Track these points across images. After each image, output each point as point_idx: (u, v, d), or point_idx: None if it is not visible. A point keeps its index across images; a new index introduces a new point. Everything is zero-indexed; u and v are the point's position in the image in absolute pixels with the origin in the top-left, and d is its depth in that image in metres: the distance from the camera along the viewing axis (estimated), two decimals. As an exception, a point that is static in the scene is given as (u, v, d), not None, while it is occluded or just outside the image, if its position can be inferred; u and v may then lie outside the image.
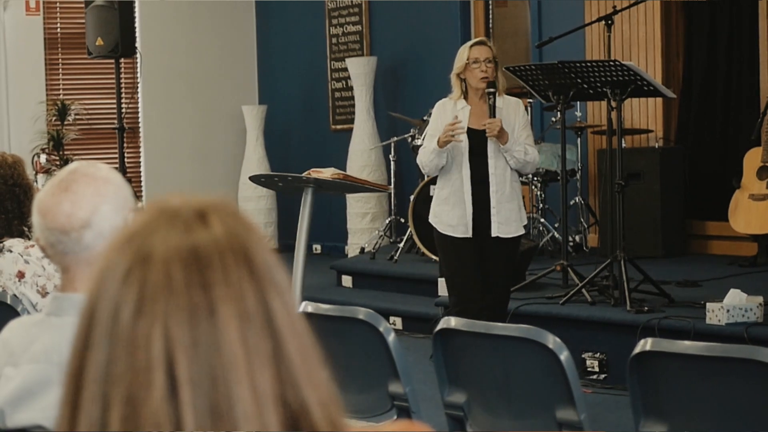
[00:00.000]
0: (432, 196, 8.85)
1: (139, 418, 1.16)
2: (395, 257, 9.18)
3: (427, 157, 6.05)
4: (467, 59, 6.02)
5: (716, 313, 6.15)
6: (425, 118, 9.06)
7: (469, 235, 6.03)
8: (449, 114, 6.10)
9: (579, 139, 9.04)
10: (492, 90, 5.99)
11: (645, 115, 9.16)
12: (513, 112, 6.06)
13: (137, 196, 11.36)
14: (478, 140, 6.00)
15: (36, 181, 10.09)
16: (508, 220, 6.04)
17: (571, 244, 8.50)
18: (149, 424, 1.15)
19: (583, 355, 6.64)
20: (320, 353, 1.26)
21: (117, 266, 1.21)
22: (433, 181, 8.92)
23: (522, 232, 6.13)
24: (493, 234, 6.01)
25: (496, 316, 5.82)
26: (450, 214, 6.08)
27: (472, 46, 6.08)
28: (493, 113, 5.96)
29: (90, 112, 11.66)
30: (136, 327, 1.18)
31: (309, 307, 4.06)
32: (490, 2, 10.52)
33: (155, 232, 1.21)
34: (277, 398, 1.18)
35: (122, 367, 1.17)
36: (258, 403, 1.17)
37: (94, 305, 1.21)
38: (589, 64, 6.81)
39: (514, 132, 6.01)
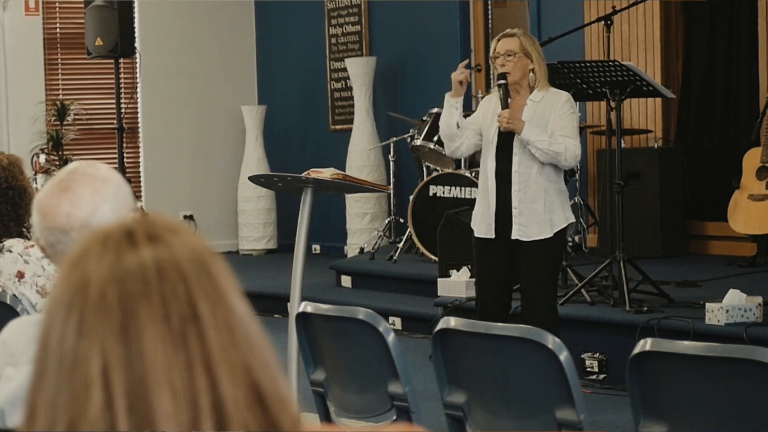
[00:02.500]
0: (432, 196, 8.88)
1: None
2: (395, 257, 9.18)
3: (442, 114, 5.87)
4: (492, 53, 5.79)
5: (716, 314, 6.15)
6: (425, 118, 9.07)
7: (492, 235, 5.71)
8: (491, 106, 5.84)
9: (578, 140, 9.04)
10: (502, 82, 5.71)
11: (644, 115, 9.16)
12: (551, 106, 5.70)
13: (137, 196, 11.36)
14: (506, 135, 5.72)
15: (35, 182, 10.08)
16: (529, 222, 5.65)
17: (571, 244, 8.50)
18: None
19: (582, 356, 6.64)
20: (266, 347, 1.31)
21: (62, 299, 1.28)
22: (433, 181, 8.94)
23: (547, 234, 5.63)
24: (513, 236, 5.66)
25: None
26: (476, 209, 5.84)
27: (499, 39, 5.81)
28: (505, 105, 5.68)
29: (89, 112, 11.66)
30: (77, 348, 1.25)
31: (309, 307, 4.06)
32: (490, 2, 10.52)
33: (90, 257, 1.28)
34: (202, 398, 1.24)
35: (66, 391, 1.25)
36: (178, 405, 1.24)
37: (45, 339, 1.28)
38: (588, 64, 6.81)
39: (548, 125, 5.66)
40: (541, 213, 5.66)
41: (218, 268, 1.30)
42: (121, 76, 10.98)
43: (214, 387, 1.25)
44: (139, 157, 11.99)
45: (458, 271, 7.65)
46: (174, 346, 1.25)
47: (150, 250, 1.28)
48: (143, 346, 1.24)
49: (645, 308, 6.57)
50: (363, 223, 10.79)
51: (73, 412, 1.24)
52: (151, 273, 1.27)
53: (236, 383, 1.26)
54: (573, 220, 5.79)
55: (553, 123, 5.67)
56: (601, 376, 6.61)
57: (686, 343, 3.38)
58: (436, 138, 8.85)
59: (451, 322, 3.66)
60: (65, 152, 11.23)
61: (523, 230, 5.66)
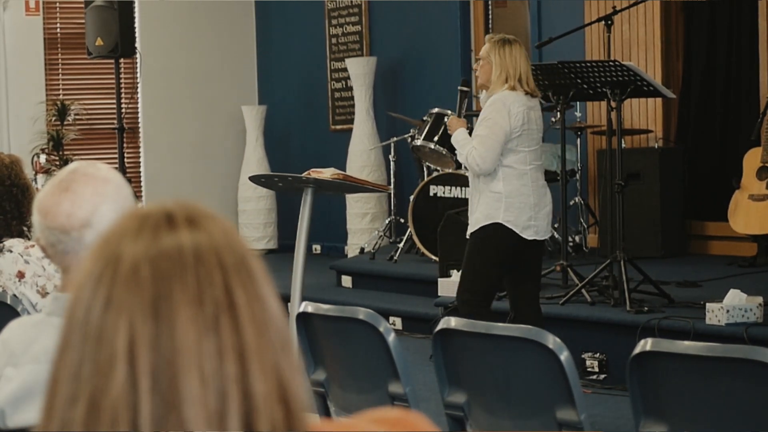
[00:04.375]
0: (432, 196, 8.89)
1: (100, 409, 1.21)
2: (395, 257, 9.18)
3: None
4: None
5: (716, 314, 6.15)
6: (425, 118, 9.06)
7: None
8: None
9: (579, 140, 9.04)
10: (461, 88, 6.12)
11: (645, 115, 9.16)
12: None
13: (137, 195, 11.36)
14: None
15: (36, 182, 10.08)
16: (472, 215, 5.93)
17: (571, 244, 8.51)
18: (108, 413, 1.20)
19: (583, 356, 6.64)
20: (293, 351, 1.30)
21: (92, 271, 1.27)
22: (433, 181, 8.94)
23: (476, 227, 5.84)
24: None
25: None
26: None
27: None
28: (459, 108, 6.14)
29: (90, 112, 11.66)
30: (104, 321, 1.23)
31: (309, 307, 4.06)
32: (490, 2, 10.52)
33: (126, 235, 1.27)
34: (230, 387, 1.23)
35: (90, 364, 1.23)
36: (206, 391, 1.22)
37: (72, 311, 1.27)
38: (588, 64, 6.81)
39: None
40: (476, 205, 5.92)
41: (255, 264, 1.29)
42: (122, 76, 10.98)
43: (245, 378, 1.23)
44: (139, 157, 11.99)
45: (458, 271, 7.65)
46: (206, 331, 1.23)
47: (189, 233, 1.27)
48: (174, 326, 1.22)
49: (645, 308, 6.57)
50: (363, 223, 10.79)
51: (95, 385, 1.22)
52: (188, 255, 1.25)
53: (267, 378, 1.25)
54: (496, 220, 5.82)
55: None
56: (602, 376, 6.61)
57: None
58: (436, 138, 8.85)
59: (452, 322, 3.66)
60: (65, 152, 11.23)
61: (470, 226, 5.97)
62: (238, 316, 1.25)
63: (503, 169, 5.82)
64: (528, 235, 5.82)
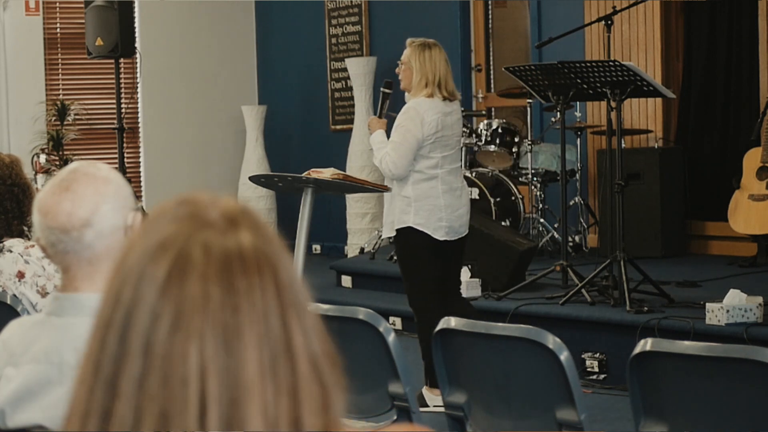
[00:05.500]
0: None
1: (170, 427, 1.17)
2: (395, 257, 9.17)
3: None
4: None
5: (716, 314, 6.15)
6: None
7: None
8: None
9: (579, 140, 9.04)
10: (384, 90, 6.36)
11: (644, 115, 9.16)
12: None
13: (137, 196, 11.36)
14: None
15: (36, 182, 10.08)
16: (386, 219, 6.17)
17: (571, 244, 8.50)
18: None
19: (583, 356, 6.64)
20: (337, 371, 1.26)
21: (154, 272, 1.21)
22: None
23: (392, 233, 6.10)
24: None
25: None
26: None
27: None
28: (380, 110, 6.33)
29: (90, 112, 11.66)
30: (172, 342, 1.19)
31: (309, 307, 4.06)
32: (490, 2, 10.52)
33: (191, 237, 1.22)
34: (286, 421, 1.20)
35: (157, 382, 1.19)
36: (267, 425, 1.19)
37: (130, 311, 1.21)
38: (588, 64, 6.81)
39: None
40: (386, 215, 6.16)
41: (299, 278, 1.26)
42: (122, 76, 10.98)
43: (298, 418, 1.21)
44: (139, 157, 11.99)
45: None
46: (271, 360, 1.20)
47: (254, 243, 1.23)
48: (243, 359, 1.19)
49: (645, 308, 6.56)
50: (363, 223, 10.79)
51: (166, 404, 1.18)
52: (257, 270, 1.21)
53: (316, 417, 1.22)
54: (408, 224, 6.03)
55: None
56: (602, 376, 6.61)
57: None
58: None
59: (452, 322, 3.66)
60: (65, 152, 11.23)
61: (385, 229, 6.20)
62: (295, 358, 1.22)
63: (414, 174, 6.04)
64: (440, 236, 6.04)
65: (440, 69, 6.08)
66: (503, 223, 8.49)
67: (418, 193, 6.01)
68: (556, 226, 8.64)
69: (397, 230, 6.06)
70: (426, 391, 6.12)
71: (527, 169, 8.87)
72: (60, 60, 11.64)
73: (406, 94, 6.29)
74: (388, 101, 6.45)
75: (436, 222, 6.01)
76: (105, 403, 1.21)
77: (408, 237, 6.04)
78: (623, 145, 7.41)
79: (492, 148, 8.92)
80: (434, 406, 5.78)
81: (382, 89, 6.40)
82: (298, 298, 1.24)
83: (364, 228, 10.73)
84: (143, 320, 1.20)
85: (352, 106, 11.16)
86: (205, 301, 1.19)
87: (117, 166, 10.16)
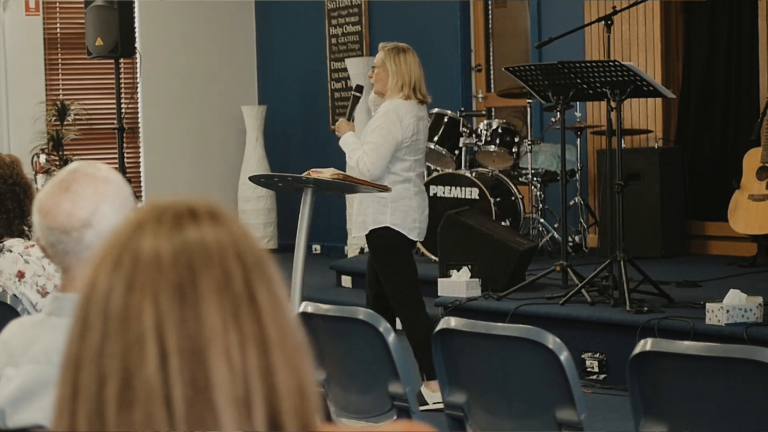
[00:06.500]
0: (432, 197, 8.88)
1: (133, 389, 1.21)
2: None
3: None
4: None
5: (716, 314, 6.15)
6: (425, 118, 9.07)
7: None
8: None
9: (578, 140, 9.04)
10: (355, 94, 6.53)
11: (644, 115, 9.16)
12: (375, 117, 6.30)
13: (137, 196, 11.36)
14: None
15: (35, 182, 10.08)
16: (358, 218, 6.27)
17: (571, 244, 8.50)
18: (142, 395, 1.21)
19: (582, 356, 6.64)
20: (308, 352, 1.30)
21: (107, 260, 1.26)
22: (433, 181, 8.95)
23: (363, 232, 6.22)
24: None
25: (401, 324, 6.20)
26: None
27: None
28: (350, 113, 6.52)
29: (90, 112, 11.66)
30: (128, 301, 1.23)
31: (309, 307, 4.06)
32: (490, 2, 10.52)
33: (143, 229, 1.27)
34: (254, 378, 1.23)
35: (116, 341, 1.23)
36: (234, 378, 1.22)
37: (88, 296, 1.26)
38: (588, 64, 6.81)
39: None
40: (357, 215, 6.29)
41: (272, 265, 1.30)
42: (122, 76, 10.98)
43: (268, 370, 1.24)
44: (139, 157, 11.99)
45: (458, 271, 7.65)
46: (231, 320, 1.23)
47: (212, 228, 1.27)
48: (200, 311, 1.23)
49: (645, 308, 6.56)
50: (363, 223, 10.79)
51: (126, 363, 1.22)
52: (212, 249, 1.25)
53: (288, 374, 1.25)
54: (384, 224, 6.17)
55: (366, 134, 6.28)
56: (602, 376, 6.61)
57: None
58: (436, 138, 8.86)
59: (452, 322, 3.66)
60: (65, 152, 11.23)
61: (356, 228, 6.32)
62: (260, 311, 1.25)
63: (389, 176, 6.17)
64: (414, 237, 6.22)
65: (415, 72, 6.23)
66: (503, 223, 8.49)
67: (394, 195, 6.14)
68: (556, 226, 8.65)
69: (373, 230, 6.18)
70: (424, 389, 6.12)
71: (527, 169, 8.87)
72: (60, 60, 11.64)
73: (375, 97, 6.44)
74: (357, 105, 6.64)
75: (411, 223, 6.18)
76: (71, 382, 1.25)
77: (385, 237, 6.17)
78: (623, 145, 7.42)
79: (492, 148, 8.92)
80: (434, 403, 5.79)
81: (352, 93, 6.56)
82: (262, 270, 1.28)
83: (364, 228, 10.73)
84: (101, 293, 1.25)
85: (352, 106, 11.15)
86: (157, 263, 1.24)
87: (117, 166, 10.16)
